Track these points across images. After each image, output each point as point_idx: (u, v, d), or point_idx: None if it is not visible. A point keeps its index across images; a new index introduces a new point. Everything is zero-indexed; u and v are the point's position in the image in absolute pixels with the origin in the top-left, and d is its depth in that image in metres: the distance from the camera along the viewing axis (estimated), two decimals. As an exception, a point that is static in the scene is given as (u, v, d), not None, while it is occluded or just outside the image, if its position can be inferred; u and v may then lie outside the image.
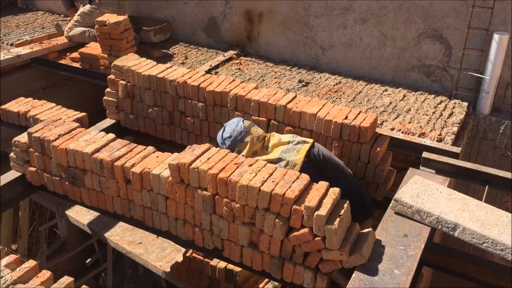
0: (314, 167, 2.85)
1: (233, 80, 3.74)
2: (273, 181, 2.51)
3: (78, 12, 5.35)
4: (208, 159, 2.71)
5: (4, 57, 4.87)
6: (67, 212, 4.88)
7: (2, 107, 3.91)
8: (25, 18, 6.34)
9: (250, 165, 2.64)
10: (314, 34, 4.89)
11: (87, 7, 5.27)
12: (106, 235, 4.61)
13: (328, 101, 3.63)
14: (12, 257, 2.31)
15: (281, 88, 4.42)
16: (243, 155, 2.90)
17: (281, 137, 3.03)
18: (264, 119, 3.48)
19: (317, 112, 3.29)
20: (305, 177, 2.54)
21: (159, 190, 2.84)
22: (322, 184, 2.52)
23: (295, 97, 3.51)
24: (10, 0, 6.74)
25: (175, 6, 5.62)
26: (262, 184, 2.48)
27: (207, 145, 2.84)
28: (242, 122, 3.03)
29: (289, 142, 2.95)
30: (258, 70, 4.93)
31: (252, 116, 3.49)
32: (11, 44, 5.38)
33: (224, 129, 3.08)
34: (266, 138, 3.04)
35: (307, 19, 4.86)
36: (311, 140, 2.99)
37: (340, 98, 4.30)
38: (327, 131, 3.25)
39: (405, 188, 2.83)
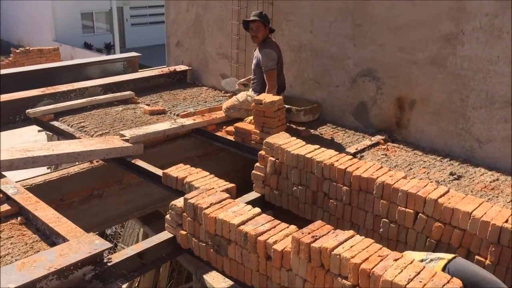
0: None
1: (381, 167, 3.69)
2: (420, 281, 2.35)
3: (242, 98, 5.69)
4: (351, 246, 2.65)
5: (171, 126, 5.46)
6: (204, 276, 5.09)
7: (164, 171, 4.33)
8: (191, 92, 7.09)
9: (396, 260, 2.52)
10: (470, 126, 4.66)
11: (252, 95, 5.47)
12: (238, 305, 4.67)
13: (484, 200, 3.37)
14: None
15: (430, 179, 4.23)
16: None
17: (413, 254, 2.79)
18: (412, 211, 3.33)
19: (472, 211, 3.06)
20: (457, 282, 2.34)
21: (298, 272, 2.84)
22: (476, 293, 2.29)
23: (447, 191, 3.33)
24: (181, 76, 7.64)
25: (327, 89, 5.83)
26: (408, 283, 2.34)
27: (351, 232, 2.79)
28: None
29: (422, 261, 2.70)
30: (406, 157, 4.80)
31: (399, 207, 3.37)
32: (177, 115, 6.03)
33: None
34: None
35: (464, 110, 4.67)
36: (449, 256, 2.71)
37: (497, 197, 3.96)
38: (483, 233, 2.98)
39: None
